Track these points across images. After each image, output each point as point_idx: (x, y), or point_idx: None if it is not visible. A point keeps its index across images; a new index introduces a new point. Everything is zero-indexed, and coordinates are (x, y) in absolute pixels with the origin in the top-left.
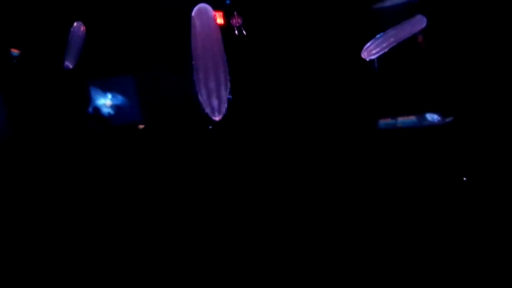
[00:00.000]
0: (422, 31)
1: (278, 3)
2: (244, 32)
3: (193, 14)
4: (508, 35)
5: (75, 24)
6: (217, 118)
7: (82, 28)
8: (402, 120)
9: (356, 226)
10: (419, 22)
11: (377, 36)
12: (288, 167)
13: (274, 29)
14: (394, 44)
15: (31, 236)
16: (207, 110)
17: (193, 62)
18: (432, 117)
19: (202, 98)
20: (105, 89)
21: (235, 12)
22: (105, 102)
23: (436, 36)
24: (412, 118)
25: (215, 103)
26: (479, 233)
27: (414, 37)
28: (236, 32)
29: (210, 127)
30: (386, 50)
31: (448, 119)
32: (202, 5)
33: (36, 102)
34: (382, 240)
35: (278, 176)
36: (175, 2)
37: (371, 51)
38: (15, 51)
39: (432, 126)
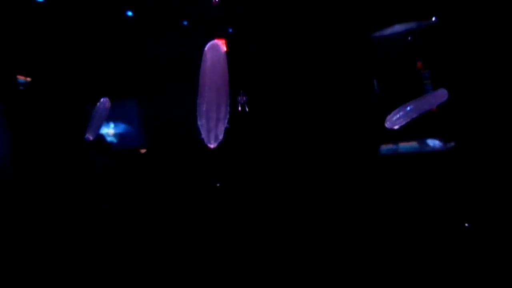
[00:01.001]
0: (422, 58)
1: (279, 31)
2: (247, 109)
3: (206, 48)
4: (507, 64)
5: (101, 100)
6: (212, 146)
7: (108, 104)
8: (403, 145)
9: (357, 252)
10: (441, 96)
11: (401, 107)
12: (288, 194)
13: (275, 57)
14: (416, 116)
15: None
16: (204, 137)
17: (198, 93)
18: (433, 143)
19: (201, 126)
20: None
21: (241, 91)
22: (107, 131)
23: (436, 62)
24: (413, 144)
25: (212, 133)
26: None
27: (414, 62)
28: (240, 108)
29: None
30: (408, 120)
31: (450, 145)
32: (215, 42)
33: (40, 132)
34: (380, 268)
35: (277, 204)
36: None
37: (395, 122)
38: (21, 78)
39: (434, 152)
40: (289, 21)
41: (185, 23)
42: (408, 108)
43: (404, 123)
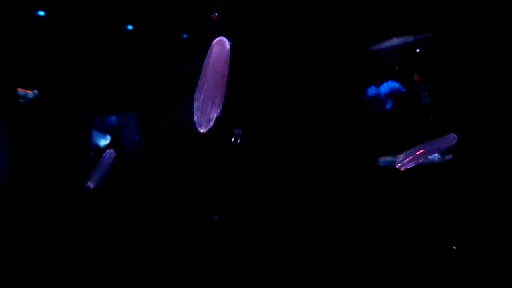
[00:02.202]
0: (419, 70)
1: (276, 42)
2: (238, 141)
3: (213, 42)
4: (504, 78)
5: (108, 151)
6: (202, 131)
7: (113, 155)
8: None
9: (354, 265)
10: (451, 140)
11: (411, 150)
12: (284, 205)
13: (272, 68)
14: (425, 159)
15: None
16: (196, 121)
17: (198, 82)
18: (432, 156)
19: (195, 110)
20: (107, 127)
21: (239, 125)
22: (105, 143)
23: (434, 74)
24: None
25: (204, 117)
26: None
27: (411, 76)
28: (233, 139)
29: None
30: (418, 163)
31: (448, 157)
32: (223, 38)
33: (39, 146)
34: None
35: (272, 216)
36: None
37: (405, 164)
38: (21, 91)
39: (432, 164)
40: (288, 35)
41: (185, 36)
42: (418, 152)
43: (413, 165)
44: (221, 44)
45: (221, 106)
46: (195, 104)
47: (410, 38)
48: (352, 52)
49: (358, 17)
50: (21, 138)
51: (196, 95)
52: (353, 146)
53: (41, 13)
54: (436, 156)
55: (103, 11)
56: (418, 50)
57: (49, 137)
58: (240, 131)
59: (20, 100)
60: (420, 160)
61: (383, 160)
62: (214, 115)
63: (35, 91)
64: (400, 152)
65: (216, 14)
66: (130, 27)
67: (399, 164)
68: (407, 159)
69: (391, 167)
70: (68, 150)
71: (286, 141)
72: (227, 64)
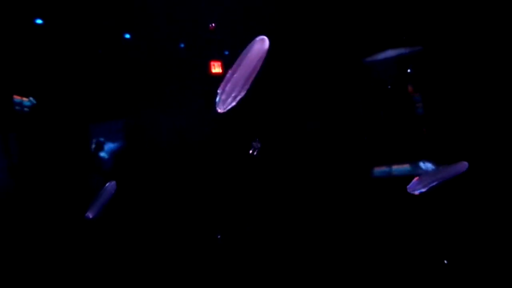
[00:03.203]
0: (413, 82)
1: (273, 53)
2: (255, 154)
3: (257, 39)
4: (498, 89)
5: (109, 183)
6: (219, 110)
7: (115, 187)
8: (396, 168)
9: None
10: (462, 168)
11: (422, 176)
12: (282, 216)
13: (270, 81)
14: (437, 183)
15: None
16: (218, 100)
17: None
18: (426, 166)
19: (220, 91)
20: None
21: (257, 138)
22: (105, 151)
23: (428, 85)
24: (406, 167)
25: (226, 101)
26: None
27: (405, 86)
28: (251, 151)
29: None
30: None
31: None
32: (265, 37)
33: (36, 154)
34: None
35: (269, 228)
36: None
37: (415, 189)
38: (18, 98)
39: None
40: (284, 46)
41: (182, 45)
42: (429, 178)
43: (424, 190)
44: (262, 43)
45: (241, 96)
46: (222, 86)
47: (404, 50)
48: (348, 63)
49: (353, 28)
50: (17, 146)
51: (227, 77)
52: (348, 156)
53: (39, 21)
54: (429, 167)
55: (101, 19)
56: (409, 71)
57: (46, 144)
58: (258, 144)
59: (16, 107)
60: (431, 185)
61: (378, 170)
62: (233, 101)
63: (31, 99)
64: (394, 162)
65: (213, 24)
66: (127, 36)
67: (411, 189)
68: (418, 185)
69: (386, 177)
70: (67, 158)
71: (280, 150)
72: (261, 61)
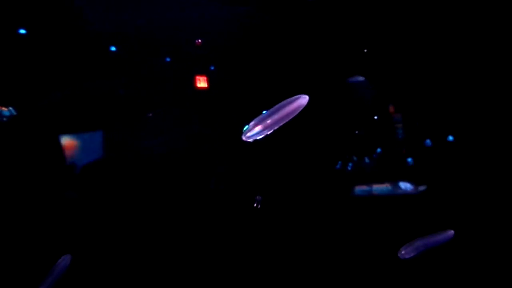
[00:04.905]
0: (394, 102)
1: (258, 68)
2: (259, 206)
3: (301, 96)
4: (478, 105)
5: (63, 257)
6: (244, 138)
7: (69, 261)
8: (377, 187)
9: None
10: (449, 236)
11: (411, 242)
12: (263, 232)
13: (253, 95)
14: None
15: None
16: (249, 128)
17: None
18: (405, 185)
19: (255, 121)
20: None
21: (259, 193)
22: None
23: (409, 105)
24: (386, 186)
25: (255, 132)
26: None
27: (387, 108)
28: (255, 204)
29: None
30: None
31: (421, 188)
32: (307, 97)
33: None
34: None
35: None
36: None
37: (405, 255)
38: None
39: (406, 194)
40: (268, 61)
41: (168, 59)
42: (418, 245)
43: (413, 256)
44: (303, 101)
45: (266, 135)
46: (258, 120)
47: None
48: (331, 84)
49: (337, 48)
50: None
51: (264, 117)
52: (329, 174)
53: (22, 31)
54: (409, 187)
55: (86, 31)
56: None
57: (20, 156)
58: (260, 197)
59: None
60: (420, 251)
61: (359, 189)
62: (258, 138)
63: (11, 109)
64: (374, 181)
65: (200, 40)
66: (113, 49)
67: (402, 253)
68: (408, 251)
69: (366, 196)
70: (41, 170)
71: (263, 165)
72: (295, 113)
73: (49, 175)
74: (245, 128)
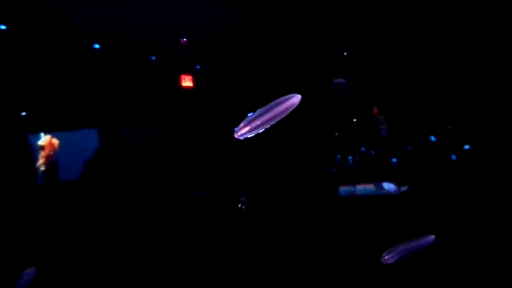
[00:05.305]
0: (378, 104)
1: (245, 73)
2: (243, 207)
3: (294, 95)
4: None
5: (27, 270)
6: (236, 135)
7: (34, 274)
8: (360, 188)
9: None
10: (430, 241)
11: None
12: (248, 232)
13: (239, 97)
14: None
15: None
16: (240, 125)
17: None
18: (388, 186)
19: (247, 118)
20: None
21: (243, 194)
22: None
23: (391, 108)
24: (370, 187)
25: (247, 130)
26: None
27: (370, 109)
28: (239, 205)
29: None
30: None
31: (403, 189)
32: (300, 96)
33: None
34: None
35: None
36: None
37: (388, 260)
38: None
39: (388, 195)
40: (254, 61)
41: (153, 58)
42: (399, 250)
43: (396, 260)
44: (296, 100)
45: (256, 134)
46: (249, 118)
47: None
48: (315, 86)
49: (322, 49)
50: None
51: (256, 115)
52: (313, 175)
53: (2, 27)
54: (392, 187)
55: (70, 29)
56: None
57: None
58: (243, 198)
59: None
60: (402, 256)
61: (343, 189)
62: (250, 135)
63: None
64: (358, 182)
65: (185, 39)
66: (97, 46)
67: (385, 258)
68: (391, 255)
69: (350, 196)
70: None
71: (249, 167)
72: (287, 113)
73: (26, 175)
74: (239, 125)
